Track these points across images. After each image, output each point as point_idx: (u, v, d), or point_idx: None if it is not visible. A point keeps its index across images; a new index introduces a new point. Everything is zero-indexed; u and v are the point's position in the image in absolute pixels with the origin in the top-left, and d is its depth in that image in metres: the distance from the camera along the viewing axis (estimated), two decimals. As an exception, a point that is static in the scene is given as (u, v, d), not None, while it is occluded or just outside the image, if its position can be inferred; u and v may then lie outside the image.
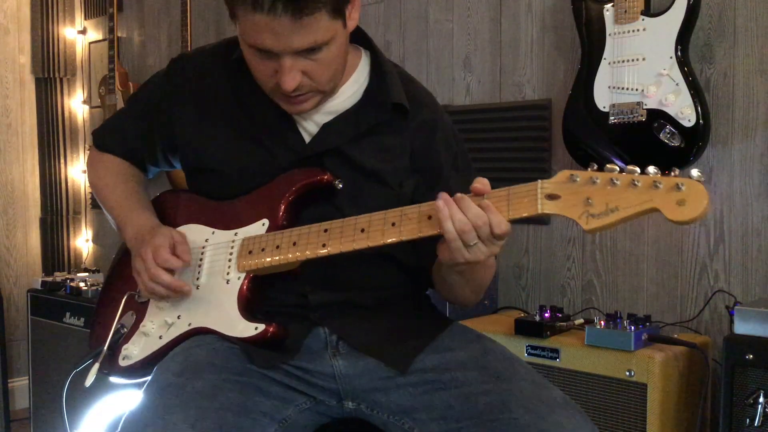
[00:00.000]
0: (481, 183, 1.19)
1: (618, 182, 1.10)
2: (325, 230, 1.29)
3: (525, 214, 1.15)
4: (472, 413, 1.21)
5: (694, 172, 1.07)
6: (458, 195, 1.18)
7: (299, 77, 1.26)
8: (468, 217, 1.15)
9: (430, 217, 1.21)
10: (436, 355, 1.31)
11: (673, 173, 1.08)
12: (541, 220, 2.43)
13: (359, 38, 1.45)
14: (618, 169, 1.11)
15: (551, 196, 1.14)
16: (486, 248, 1.18)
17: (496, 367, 1.27)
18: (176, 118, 1.47)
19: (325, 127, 1.39)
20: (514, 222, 1.17)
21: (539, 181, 1.15)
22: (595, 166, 1.14)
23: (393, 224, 1.24)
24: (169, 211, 1.51)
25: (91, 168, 1.63)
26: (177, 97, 1.48)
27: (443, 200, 1.17)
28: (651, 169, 1.09)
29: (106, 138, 1.61)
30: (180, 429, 1.14)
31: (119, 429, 1.19)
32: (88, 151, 4.03)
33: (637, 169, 1.10)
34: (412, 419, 1.28)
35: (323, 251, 1.28)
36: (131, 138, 1.56)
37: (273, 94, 1.33)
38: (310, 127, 1.41)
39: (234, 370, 1.27)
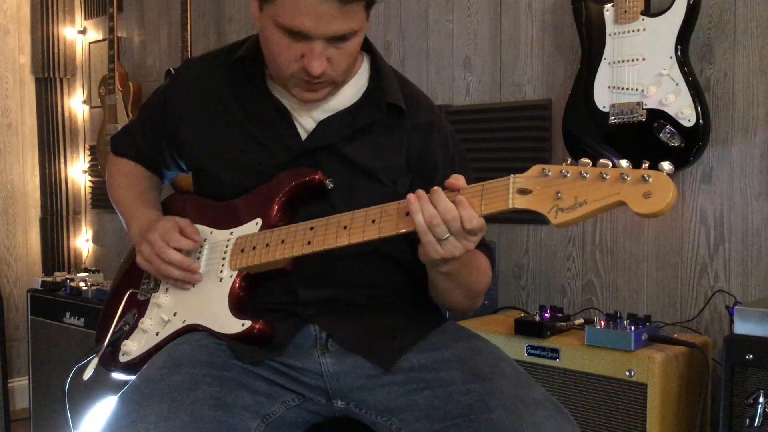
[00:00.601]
0: (456, 178, 1.20)
1: (587, 175, 1.09)
2: (311, 228, 1.31)
3: (497, 210, 1.16)
4: (454, 413, 1.21)
5: (665, 165, 1.06)
6: (433, 188, 1.19)
7: (326, 63, 1.30)
8: (438, 211, 1.17)
9: (407, 214, 1.22)
10: (423, 354, 1.31)
11: (643, 166, 1.07)
12: (541, 219, 2.43)
13: (362, 44, 1.47)
14: (590, 162, 1.10)
15: (523, 191, 1.14)
16: (459, 243, 1.18)
17: (481, 366, 1.27)
18: (179, 120, 1.51)
19: (322, 124, 1.41)
20: (500, 218, 1.17)
21: (512, 175, 1.15)
22: (569, 160, 1.13)
23: (373, 221, 1.25)
24: (173, 212, 1.54)
25: (107, 172, 1.68)
26: (180, 100, 1.52)
27: (416, 194, 1.20)
28: (623, 162, 1.08)
29: (121, 143, 1.67)
30: (153, 421, 1.15)
31: (102, 423, 1.21)
32: (88, 157, 4.04)
33: (609, 163, 1.09)
34: (399, 419, 1.28)
35: (308, 248, 1.30)
36: (141, 142, 1.62)
37: (290, 80, 1.35)
38: (307, 124, 1.43)
39: (216, 365, 1.28)
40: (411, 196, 1.20)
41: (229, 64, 1.46)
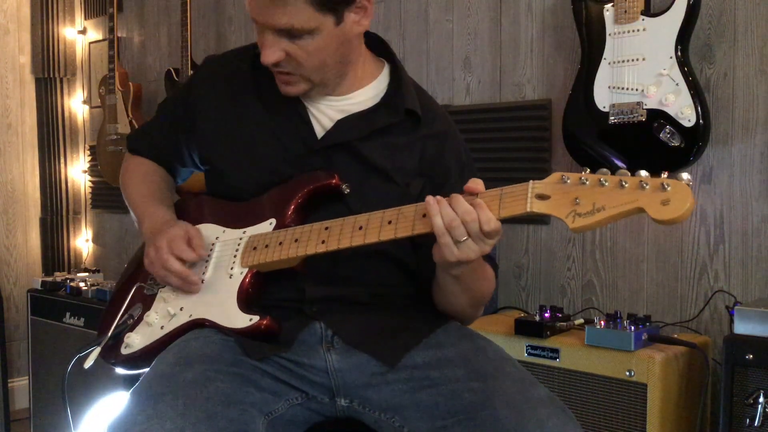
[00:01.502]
0: (474, 182, 1.22)
1: (606, 183, 1.12)
2: (326, 228, 1.33)
3: (515, 213, 1.18)
4: (457, 410, 1.22)
5: (684, 175, 1.08)
6: (452, 195, 1.21)
7: (279, 55, 1.34)
8: (457, 213, 1.18)
9: (424, 216, 1.23)
10: (427, 352, 1.32)
11: (662, 175, 1.10)
12: (541, 219, 2.43)
13: (383, 51, 1.52)
14: (609, 171, 1.13)
15: (541, 196, 1.16)
16: (476, 246, 1.20)
17: (484, 365, 1.28)
18: (198, 112, 1.53)
19: (339, 123, 1.44)
20: (505, 221, 1.19)
21: (531, 181, 1.18)
22: (588, 170, 1.16)
23: (389, 222, 1.27)
24: (186, 212, 1.55)
25: (122, 170, 1.69)
26: (201, 92, 1.54)
27: (435, 198, 1.21)
28: (642, 172, 1.11)
29: (137, 141, 1.69)
30: (169, 417, 1.15)
31: (113, 418, 1.20)
32: (88, 157, 4.03)
33: (628, 172, 1.12)
34: (402, 417, 1.28)
35: (322, 247, 1.31)
36: (158, 138, 1.63)
37: (270, 69, 1.40)
38: (325, 122, 1.45)
39: (227, 362, 1.28)
40: (430, 198, 1.21)
41: (253, 59, 1.49)
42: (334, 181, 1.39)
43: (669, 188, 1.07)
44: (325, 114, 1.46)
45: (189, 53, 3.27)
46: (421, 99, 1.49)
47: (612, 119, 2.11)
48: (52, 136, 4.01)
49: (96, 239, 4.10)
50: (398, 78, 1.48)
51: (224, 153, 1.49)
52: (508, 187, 1.19)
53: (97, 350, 1.44)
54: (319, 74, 1.39)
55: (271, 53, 1.34)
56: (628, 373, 1.86)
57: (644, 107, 2.06)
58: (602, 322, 1.95)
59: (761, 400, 1.73)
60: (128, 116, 3.57)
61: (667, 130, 2.03)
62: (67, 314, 3.19)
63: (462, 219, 1.18)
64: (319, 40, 1.33)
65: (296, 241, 1.34)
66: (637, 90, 2.07)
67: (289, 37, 1.32)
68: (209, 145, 1.52)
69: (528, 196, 1.16)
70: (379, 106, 1.46)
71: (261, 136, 1.46)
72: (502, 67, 2.54)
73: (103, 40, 3.92)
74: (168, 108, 1.64)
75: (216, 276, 1.41)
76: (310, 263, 1.37)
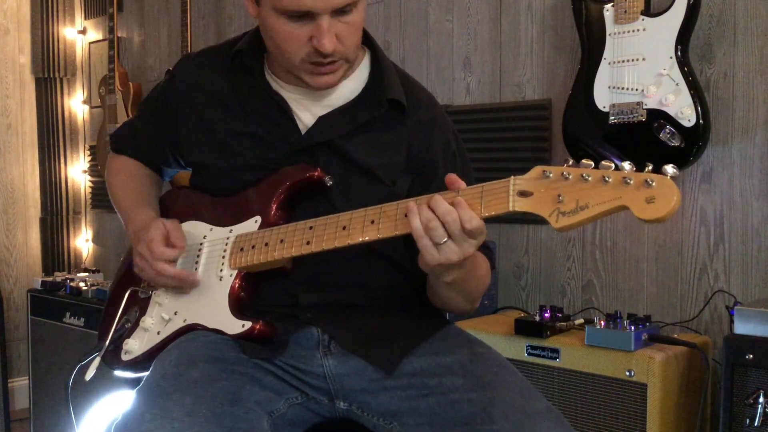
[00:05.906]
0: (456, 177, 1.19)
1: (589, 178, 1.06)
2: (311, 227, 1.30)
3: (498, 212, 1.13)
4: (456, 420, 1.21)
5: (668, 168, 1.03)
6: (432, 195, 1.18)
7: (335, 40, 1.29)
8: (437, 214, 1.15)
9: (406, 215, 1.20)
10: (425, 359, 1.31)
11: (646, 169, 1.04)
12: (540, 219, 2.43)
13: (363, 38, 1.46)
14: (592, 164, 1.08)
15: (523, 193, 1.11)
16: (458, 247, 1.16)
17: (483, 373, 1.26)
18: (179, 117, 1.51)
19: (321, 120, 1.41)
20: (488, 220, 1.15)
21: (512, 177, 1.13)
22: (570, 162, 1.10)
23: (372, 222, 1.24)
24: (172, 209, 1.54)
25: (107, 170, 1.67)
26: (179, 96, 1.51)
27: (415, 200, 1.19)
28: (626, 165, 1.06)
29: (121, 141, 1.67)
30: (176, 416, 1.15)
31: (119, 419, 1.20)
32: (88, 157, 4.03)
33: (612, 165, 1.06)
34: (401, 423, 1.27)
35: (307, 248, 1.29)
36: (142, 139, 1.61)
37: (301, 68, 1.34)
38: (306, 119, 1.42)
39: (230, 360, 1.28)
40: (410, 201, 1.19)
41: (227, 58, 1.46)
42: (316, 173, 1.36)
43: (653, 184, 1.02)
44: (308, 110, 1.42)
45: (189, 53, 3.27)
46: (406, 86, 1.44)
47: (612, 119, 2.11)
48: (52, 136, 4.01)
49: (96, 239, 4.10)
50: (379, 65, 1.44)
51: (208, 156, 1.47)
52: (489, 183, 1.15)
53: (98, 360, 1.45)
54: (355, 52, 1.36)
55: (331, 40, 1.28)
56: (628, 373, 1.86)
57: (644, 107, 2.06)
58: (602, 322, 1.95)
59: (761, 400, 1.73)
60: (128, 116, 3.57)
61: (667, 130, 2.03)
62: (67, 314, 3.19)
63: (442, 219, 1.14)
64: (360, 12, 1.32)
65: (281, 241, 1.32)
66: (637, 90, 2.07)
67: (341, 15, 1.28)
68: (193, 148, 1.50)
69: (510, 194, 1.12)
70: (360, 98, 1.42)
71: (244, 137, 1.43)
72: (502, 67, 2.54)
73: (103, 40, 3.92)
74: (148, 110, 1.61)
75: (206, 278, 1.40)
76: (300, 266, 1.35)
